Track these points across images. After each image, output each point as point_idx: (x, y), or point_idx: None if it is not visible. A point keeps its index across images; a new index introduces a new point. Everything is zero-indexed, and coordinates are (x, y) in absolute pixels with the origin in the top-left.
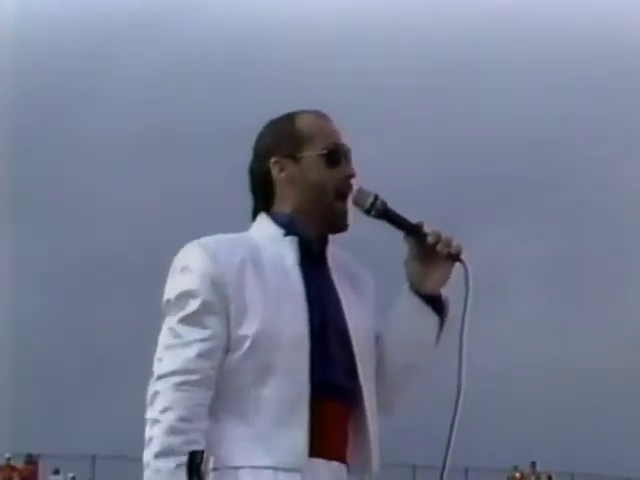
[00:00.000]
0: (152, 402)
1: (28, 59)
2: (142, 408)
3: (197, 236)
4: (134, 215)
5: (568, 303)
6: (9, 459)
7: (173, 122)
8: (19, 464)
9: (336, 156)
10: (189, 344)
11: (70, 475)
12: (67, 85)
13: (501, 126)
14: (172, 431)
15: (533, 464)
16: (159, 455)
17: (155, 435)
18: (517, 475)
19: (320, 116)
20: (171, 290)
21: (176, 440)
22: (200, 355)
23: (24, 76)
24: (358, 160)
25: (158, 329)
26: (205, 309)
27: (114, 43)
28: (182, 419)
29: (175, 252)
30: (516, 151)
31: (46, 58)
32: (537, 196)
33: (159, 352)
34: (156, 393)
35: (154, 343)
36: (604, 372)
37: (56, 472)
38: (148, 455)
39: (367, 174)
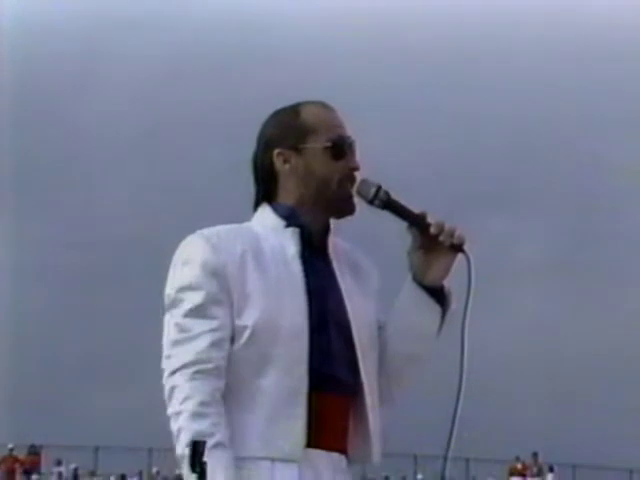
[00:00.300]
0: (170, 397)
1: (29, 51)
2: (145, 400)
3: (198, 227)
4: (134, 208)
5: (569, 295)
6: (12, 450)
7: (173, 116)
8: (22, 455)
9: (340, 149)
10: (198, 336)
11: (72, 466)
12: (67, 78)
13: (502, 123)
14: (196, 416)
15: (535, 455)
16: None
17: (182, 425)
18: (519, 466)
19: (325, 107)
20: (173, 284)
21: (203, 424)
22: (211, 345)
23: (25, 63)
24: (362, 152)
25: (159, 321)
26: (209, 300)
27: (114, 40)
28: (202, 404)
29: (175, 244)
30: (519, 147)
31: (47, 48)
32: (539, 191)
33: (167, 350)
34: (173, 387)
35: (156, 335)
36: (606, 364)
37: (58, 463)
38: (180, 447)
39: (370, 164)
